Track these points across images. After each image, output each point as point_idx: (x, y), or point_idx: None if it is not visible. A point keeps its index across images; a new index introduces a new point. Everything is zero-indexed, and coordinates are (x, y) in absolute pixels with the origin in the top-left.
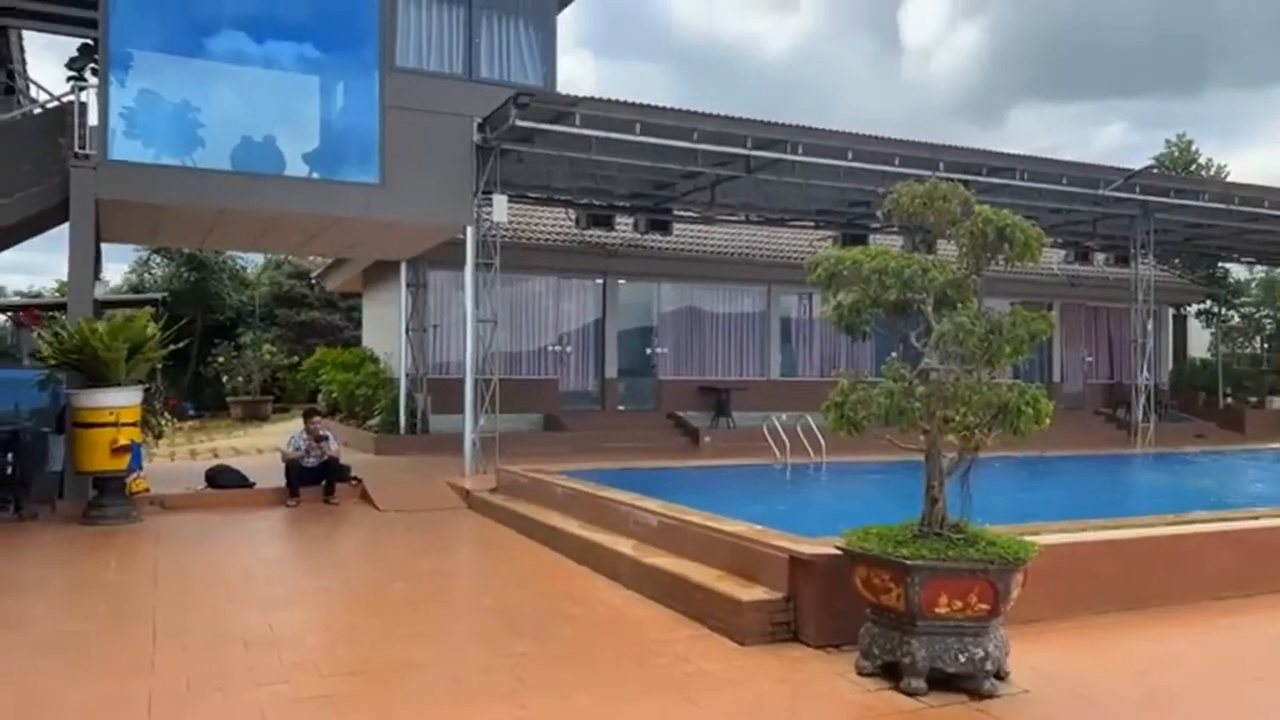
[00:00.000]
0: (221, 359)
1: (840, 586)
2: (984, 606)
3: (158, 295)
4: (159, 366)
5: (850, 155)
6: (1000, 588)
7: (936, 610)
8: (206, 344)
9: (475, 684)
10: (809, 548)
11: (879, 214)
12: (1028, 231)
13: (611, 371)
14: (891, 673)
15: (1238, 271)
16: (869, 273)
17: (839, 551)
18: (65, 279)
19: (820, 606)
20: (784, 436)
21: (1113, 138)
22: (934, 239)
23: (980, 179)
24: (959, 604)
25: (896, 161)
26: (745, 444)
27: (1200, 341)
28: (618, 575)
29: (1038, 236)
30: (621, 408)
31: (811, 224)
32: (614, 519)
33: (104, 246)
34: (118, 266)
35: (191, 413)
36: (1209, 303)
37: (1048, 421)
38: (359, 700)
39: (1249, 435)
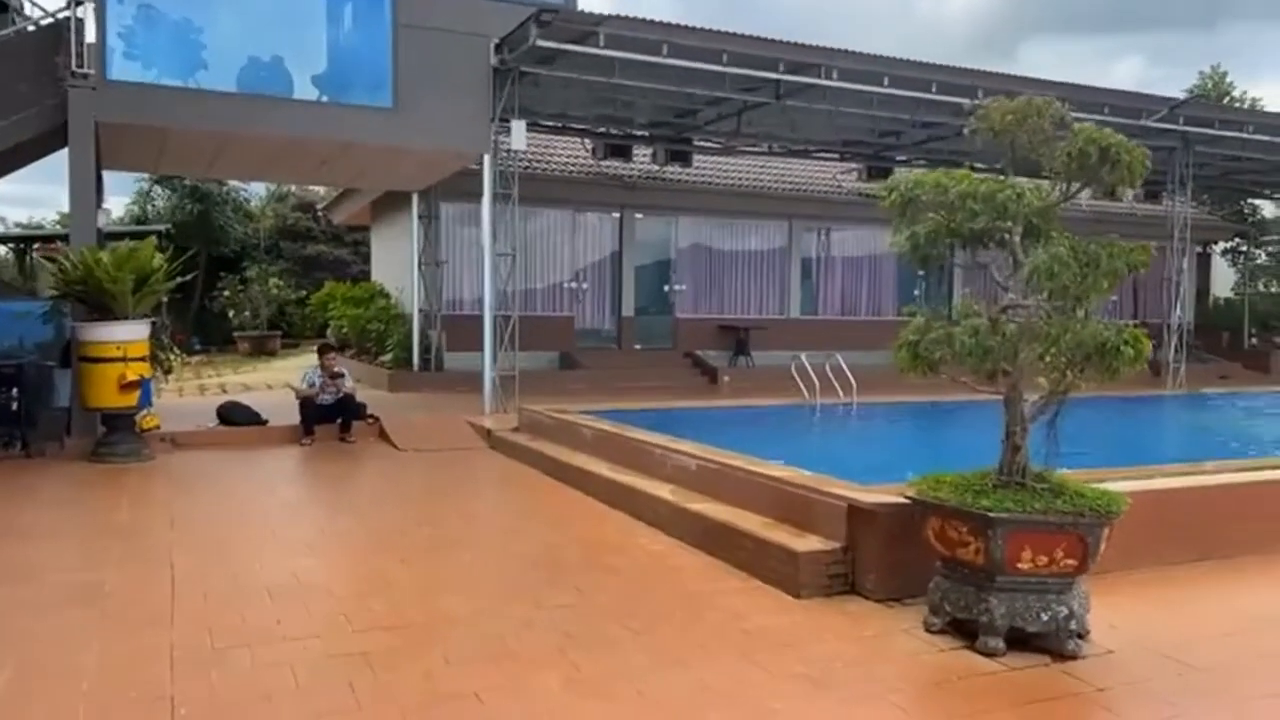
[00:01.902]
0: (227, 293)
1: (903, 537)
2: (1071, 562)
3: (161, 227)
4: (165, 300)
5: (886, 81)
6: (1090, 542)
7: (1019, 566)
8: (211, 278)
9: (520, 641)
10: (870, 496)
11: (965, 132)
12: (1133, 152)
13: (628, 309)
14: (962, 630)
15: (1267, 209)
16: (955, 197)
17: (905, 500)
18: (66, 209)
19: (881, 558)
20: (813, 376)
21: (1130, 72)
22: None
23: None
24: (1044, 559)
25: (933, 88)
26: (765, 383)
27: (1224, 280)
28: (656, 521)
29: (1142, 158)
30: (638, 346)
31: (836, 155)
32: (647, 462)
33: (107, 177)
34: (119, 198)
35: (198, 348)
36: (1237, 241)
37: (1145, 364)
38: (397, 659)
39: (1274, 376)
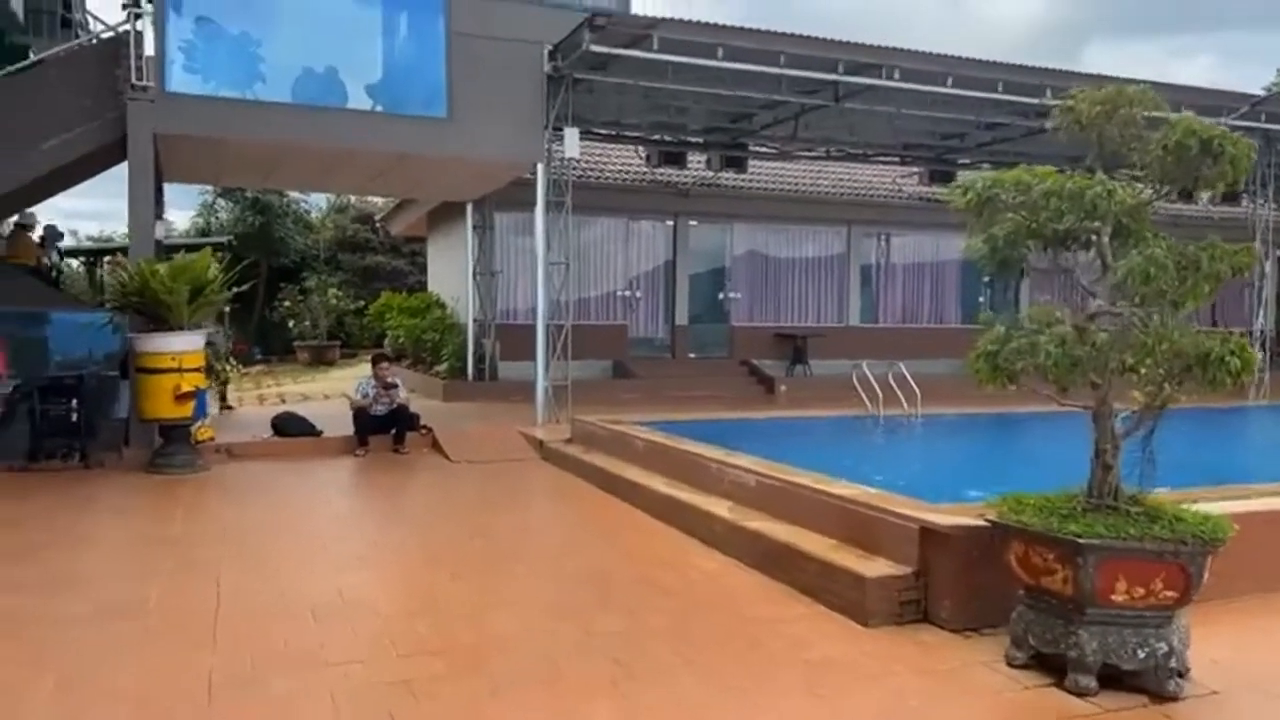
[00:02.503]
0: (287, 303)
1: (981, 562)
2: (1171, 594)
3: (223, 239)
4: (227, 310)
5: (950, 81)
6: (1193, 572)
7: (1112, 598)
8: (272, 288)
9: (570, 667)
10: (943, 517)
11: (1046, 126)
12: (1238, 145)
13: (682, 317)
14: (1048, 665)
15: None
16: (1039, 196)
17: (983, 522)
18: None
19: (956, 584)
20: (876, 386)
21: (1198, 73)
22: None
23: None
24: (1140, 591)
25: (1000, 88)
26: (824, 393)
27: None
28: (711, 539)
29: (1248, 150)
30: (692, 355)
31: (896, 159)
32: (703, 476)
33: (171, 190)
34: (184, 212)
35: (259, 357)
36: None
37: (1251, 375)
38: (441, 687)
39: None
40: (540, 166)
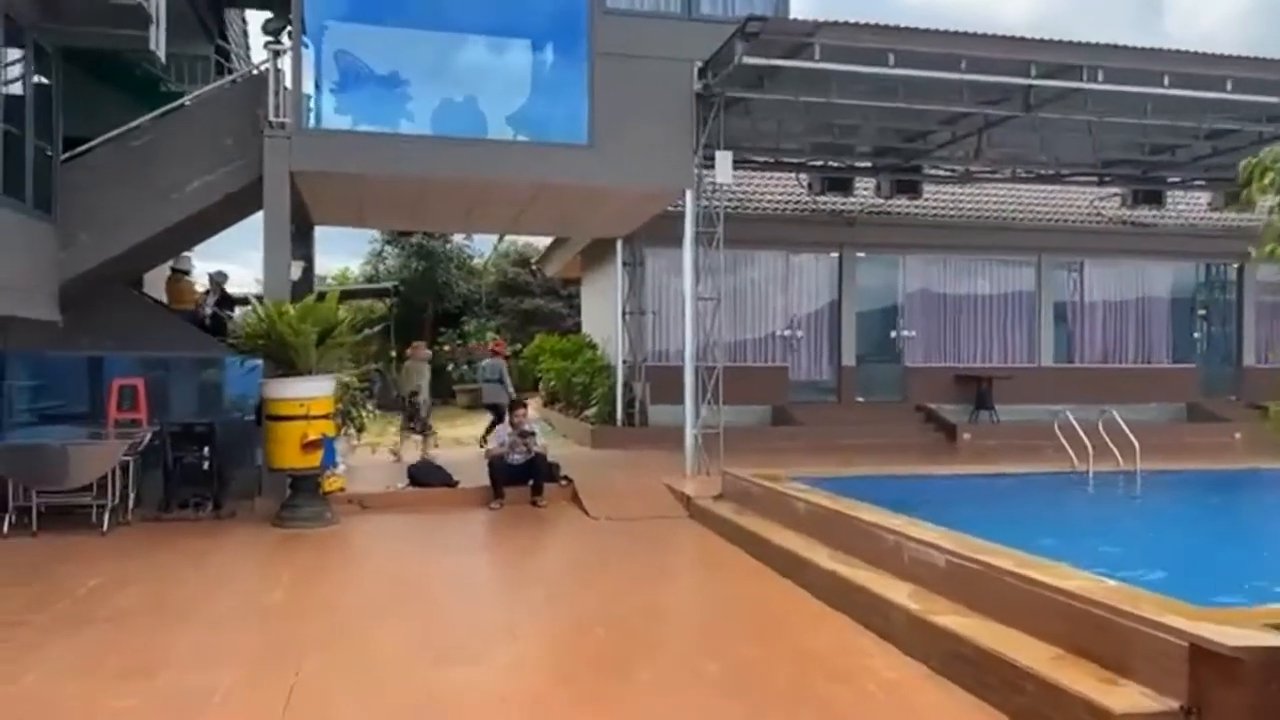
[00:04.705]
0: (447, 347)
1: None
2: None
3: (389, 285)
4: (394, 355)
5: (1167, 81)
6: None
7: None
8: (436, 332)
9: None
10: (1224, 631)
11: None
12: None
13: (849, 358)
14: None
15: None
16: None
17: None
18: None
19: None
20: (1084, 436)
21: None
22: None
23: None
24: None
25: (1228, 86)
26: (1013, 442)
27: None
28: (889, 632)
29: None
30: (860, 399)
31: (1094, 179)
32: (877, 550)
33: (344, 238)
34: (355, 260)
35: None
36: None
37: None
38: None
39: None
40: (689, 194)
